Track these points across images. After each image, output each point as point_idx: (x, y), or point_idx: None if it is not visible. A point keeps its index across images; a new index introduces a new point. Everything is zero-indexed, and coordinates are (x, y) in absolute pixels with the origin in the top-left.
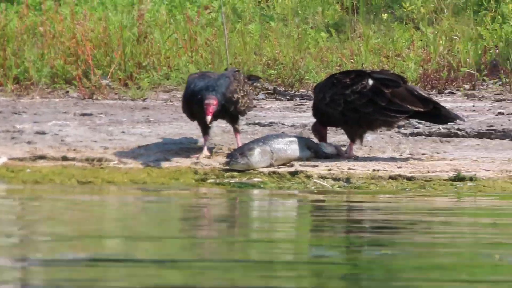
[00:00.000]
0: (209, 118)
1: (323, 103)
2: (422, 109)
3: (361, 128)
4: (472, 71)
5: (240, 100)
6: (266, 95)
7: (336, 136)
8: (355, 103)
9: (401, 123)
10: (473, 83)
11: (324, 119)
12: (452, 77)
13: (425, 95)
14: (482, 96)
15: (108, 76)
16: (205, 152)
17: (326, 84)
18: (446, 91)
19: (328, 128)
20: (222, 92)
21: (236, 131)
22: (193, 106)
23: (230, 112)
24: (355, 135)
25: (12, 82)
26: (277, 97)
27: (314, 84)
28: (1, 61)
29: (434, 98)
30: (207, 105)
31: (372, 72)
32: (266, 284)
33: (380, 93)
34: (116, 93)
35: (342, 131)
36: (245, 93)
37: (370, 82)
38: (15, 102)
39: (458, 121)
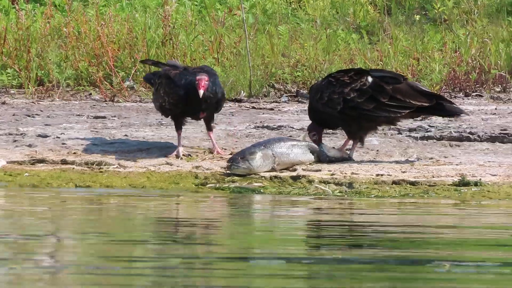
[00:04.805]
0: (201, 92)
1: (320, 103)
2: (425, 104)
3: (362, 127)
4: (504, 73)
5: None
6: (289, 98)
7: (335, 142)
8: (355, 101)
9: (404, 121)
10: (503, 85)
11: (321, 120)
12: (482, 80)
13: (427, 90)
14: (509, 99)
15: (130, 78)
16: (180, 151)
17: (323, 84)
18: (474, 94)
19: (325, 133)
20: (217, 82)
21: (210, 129)
22: (187, 96)
23: (215, 106)
24: (356, 134)
25: (36, 84)
26: (299, 99)
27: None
28: (25, 63)
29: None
30: (199, 80)
31: (371, 70)
32: None
33: (381, 90)
34: (138, 95)
35: (339, 136)
36: None
37: (370, 79)
38: (34, 104)
39: (470, 122)
